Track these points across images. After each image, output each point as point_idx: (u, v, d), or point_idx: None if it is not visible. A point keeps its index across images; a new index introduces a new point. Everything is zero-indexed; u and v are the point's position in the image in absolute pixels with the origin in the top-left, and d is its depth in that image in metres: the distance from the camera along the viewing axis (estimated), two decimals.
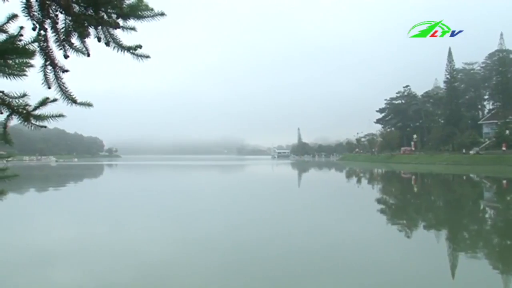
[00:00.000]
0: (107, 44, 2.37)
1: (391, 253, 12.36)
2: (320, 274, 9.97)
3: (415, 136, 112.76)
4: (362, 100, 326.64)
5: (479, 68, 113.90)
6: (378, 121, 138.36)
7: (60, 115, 2.40)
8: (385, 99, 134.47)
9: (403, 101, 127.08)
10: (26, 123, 2.36)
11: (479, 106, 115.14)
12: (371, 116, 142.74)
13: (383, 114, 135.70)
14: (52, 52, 2.34)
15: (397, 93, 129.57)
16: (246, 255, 11.95)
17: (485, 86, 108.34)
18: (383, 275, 9.91)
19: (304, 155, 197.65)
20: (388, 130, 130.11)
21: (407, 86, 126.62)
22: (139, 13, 2.31)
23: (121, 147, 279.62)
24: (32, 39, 2.25)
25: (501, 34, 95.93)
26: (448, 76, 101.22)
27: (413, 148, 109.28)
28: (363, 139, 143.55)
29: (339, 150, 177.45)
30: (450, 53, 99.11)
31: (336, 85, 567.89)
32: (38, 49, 2.29)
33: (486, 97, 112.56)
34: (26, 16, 2.20)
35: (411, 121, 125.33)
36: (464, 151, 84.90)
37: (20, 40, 2.22)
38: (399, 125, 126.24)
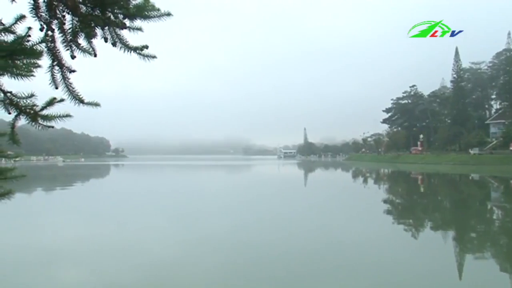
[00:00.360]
0: (114, 44, 2.38)
1: (401, 254, 12.32)
2: (329, 275, 9.95)
3: (421, 136, 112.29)
4: (368, 100, 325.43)
5: (486, 67, 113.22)
6: (384, 121, 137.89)
7: (67, 115, 2.41)
8: (392, 99, 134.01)
9: (409, 101, 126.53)
10: (33, 123, 2.38)
11: (486, 106, 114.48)
12: (378, 116, 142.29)
13: (389, 114, 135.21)
14: (59, 52, 2.35)
15: (403, 92, 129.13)
16: (252, 255, 11.95)
17: (492, 85, 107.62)
18: (395, 276, 9.88)
19: (311, 155, 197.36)
20: (395, 130, 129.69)
21: (413, 86, 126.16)
22: (146, 13, 2.32)
23: (128, 147, 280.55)
24: (39, 40, 2.27)
25: (509, 34, 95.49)
26: (455, 75, 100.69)
27: (419, 148, 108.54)
28: (369, 139, 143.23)
29: (346, 150, 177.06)
30: (457, 53, 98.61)
31: (343, 85, 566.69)
32: (45, 49, 2.31)
33: (493, 96, 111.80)
34: (33, 17, 2.21)
35: (417, 121, 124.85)
36: (470, 151, 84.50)
37: (28, 41, 2.23)
38: (405, 125, 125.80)
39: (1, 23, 2.20)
